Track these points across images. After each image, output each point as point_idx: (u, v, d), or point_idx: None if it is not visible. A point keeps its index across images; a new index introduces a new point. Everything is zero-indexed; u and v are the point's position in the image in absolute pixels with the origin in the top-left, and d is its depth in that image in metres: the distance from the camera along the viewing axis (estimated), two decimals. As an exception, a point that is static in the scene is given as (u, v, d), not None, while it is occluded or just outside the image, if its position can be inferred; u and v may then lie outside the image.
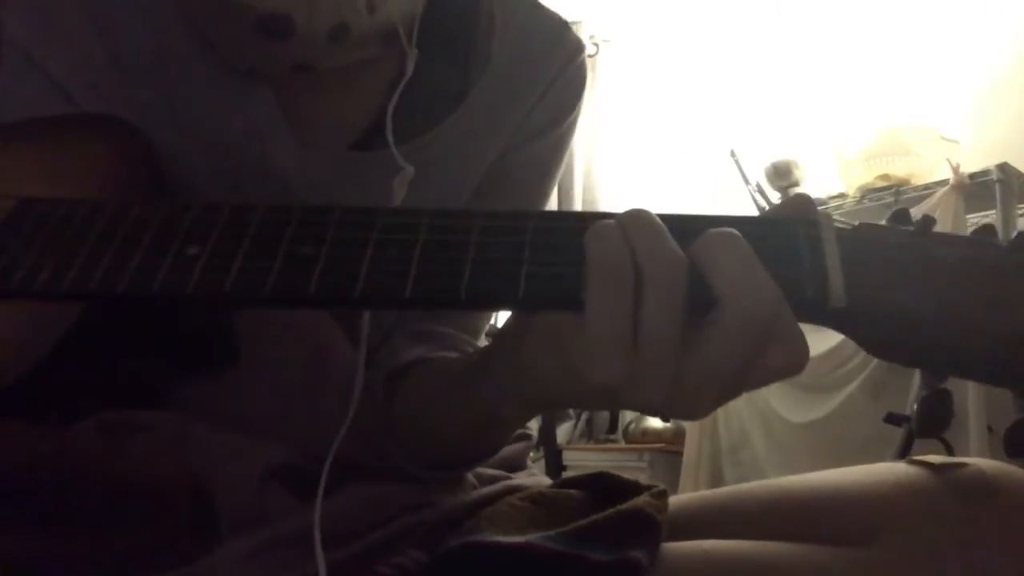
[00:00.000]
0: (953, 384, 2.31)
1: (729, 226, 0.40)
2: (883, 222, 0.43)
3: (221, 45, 0.58)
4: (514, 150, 0.66)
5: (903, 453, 2.03)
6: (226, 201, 0.45)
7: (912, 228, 0.42)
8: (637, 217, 0.39)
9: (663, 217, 0.40)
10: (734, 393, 0.40)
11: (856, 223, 0.42)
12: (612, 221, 0.40)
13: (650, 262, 0.38)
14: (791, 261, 0.40)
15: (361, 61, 0.60)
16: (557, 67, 0.68)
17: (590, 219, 0.41)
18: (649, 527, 0.53)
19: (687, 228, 0.40)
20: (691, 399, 0.39)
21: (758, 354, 0.38)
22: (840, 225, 0.41)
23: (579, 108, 0.70)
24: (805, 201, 0.43)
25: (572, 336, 0.39)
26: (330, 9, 0.55)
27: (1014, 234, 0.40)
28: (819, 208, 0.43)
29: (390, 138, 0.59)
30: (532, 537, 0.52)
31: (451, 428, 0.56)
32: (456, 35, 0.65)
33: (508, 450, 0.68)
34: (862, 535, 0.50)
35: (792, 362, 0.38)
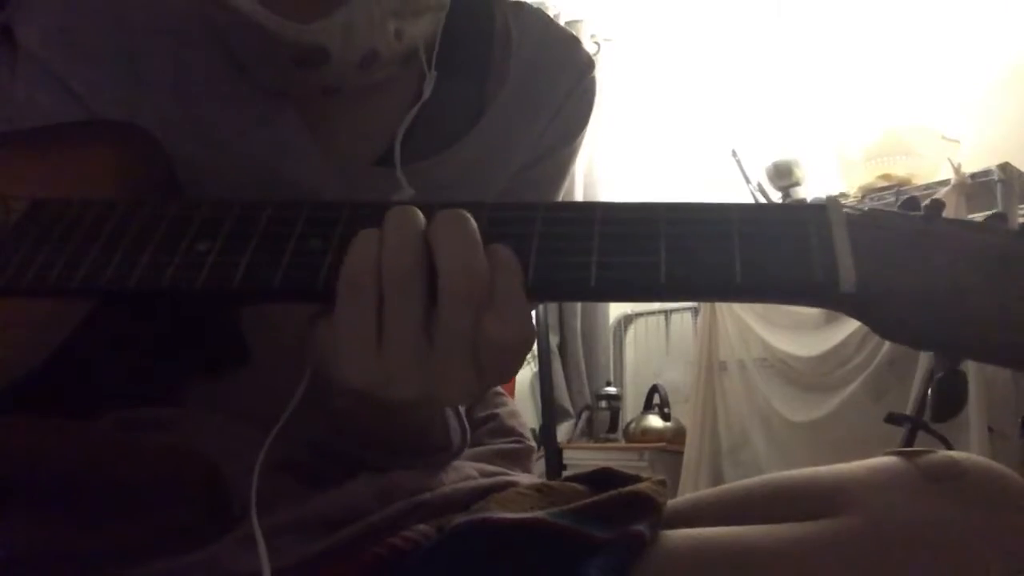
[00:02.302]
0: (954, 384, 2.31)
1: (742, 214, 0.42)
2: (895, 209, 0.44)
3: (252, 70, 0.59)
4: (527, 168, 0.67)
5: (903, 453, 2.02)
6: (237, 199, 0.45)
7: (921, 213, 0.42)
8: (392, 220, 0.41)
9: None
10: (479, 374, 0.41)
11: (865, 208, 0.43)
12: (374, 231, 0.41)
13: (388, 273, 0.40)
14: (800, 246, 0.40)
15: (382, 80, 0.61)
16: (570, 84, 0.69)
17: (598, 206, 0.42)
18: (650, 507, 0.55)
19: (504, 215, 0.42)
20: (444, 385, 0.41)
21: (478, 325, 0.40)
22: (849, 211, 0.42)
23: (589, 121, 0.71)
24: None
25: (326, 343, 0.42)
26: (363, 39, 0.57)
27: (1021, 221, 0.41)
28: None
29: (397, 160, 0.60)
30: (539, 513, 0.54)
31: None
32: (474, 52, 0.66)
33: (501, 450, 0.69)
34: (830, 510, 0.52)
35: (509, 333, 0.40)
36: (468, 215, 0.41)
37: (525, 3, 0.71)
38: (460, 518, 0.55)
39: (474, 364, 0.41)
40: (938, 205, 0.42)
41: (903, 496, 0.50)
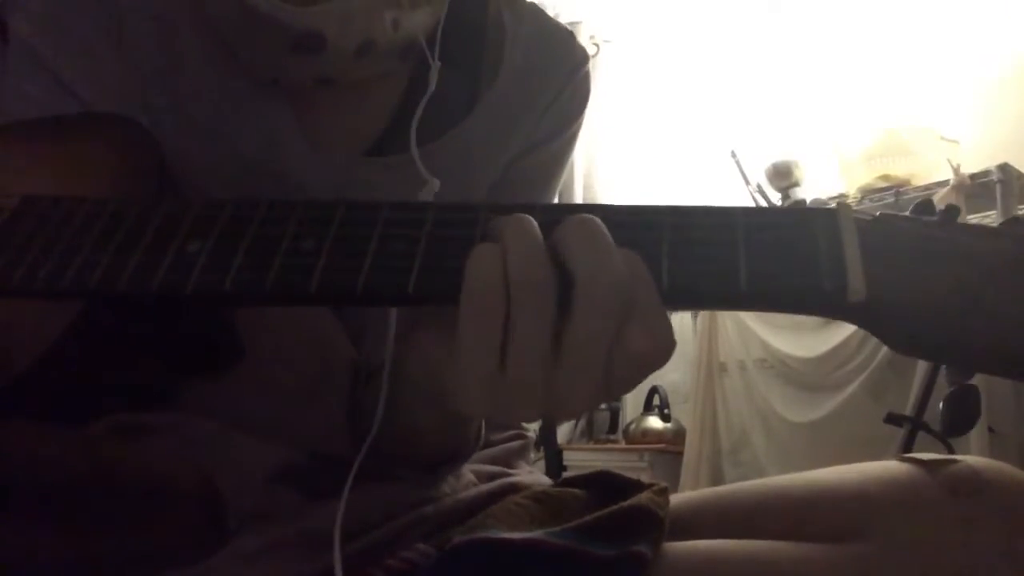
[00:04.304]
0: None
1: (747, 217, 0.40)
2: (907, 213, 0.42)
3: (247, 57, 0.58)
4: (524, 155, 0.67)
5: (904, 453, 2.03)
6: (229, 198, 0.44)
7: (936, 219, 0.41)
8: (514, 230, 0.38)
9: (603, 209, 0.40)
10: (606, 388, 0.39)
11: (877, 214, 0.41)
12: (493, 245, 0.39)
13: (519, 290, 0.37)
14: (808, 252, 0.39)
15: (378, 73, 0.61)
16: (565, 76, 0.69)
17: (598, 209, 0.40)
18: (652, 523, 0.53)
19: (616, 218, 0.39)
20: (564, 403, 0.39)
21: (617, 338, 0.38)
22: (860, 216, 0.40)
23: (584, 114, 0.71)
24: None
25: (444, 363, 0.40)
26: (361, 26, 0.56)
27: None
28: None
29: (414, 150, 0.59)
30: (538, 533, 0.53)
31: (392, 431, 0.56)
32: (467, 44, 0.66)
33: (502, 449, 0.69)
34: (852, 532, 0.50)
35: (654, 345, 0.38)
36: (598, 219, 0.38)
37: None
38: (459, 536, 0.54)
39: (604, 378, 0.38)
40: (953, 211, 0.40)
41: (927, 522, 0.49)
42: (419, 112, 0.61)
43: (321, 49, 0.56)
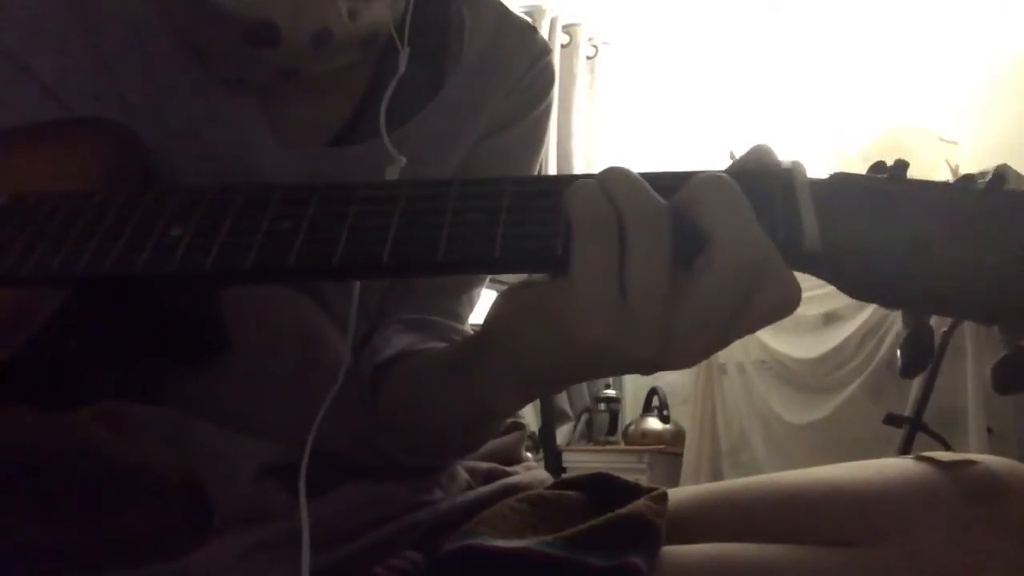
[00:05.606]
0: (952, 386, 2.31)
1: None
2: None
3: (209, 55, 0.59)
4: (487, 137, 0.69)
5: (903, 454, 2.03)
6: (210, 186, 0.46)
7: (886, 175, 0.42)
8: (614, 172, 0.40)
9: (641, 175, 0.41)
10: (723, 339, 0.40)
11: (831, 173, 0.43)
12: (590, 179, 0.40)
13: (632, 212, 0.39)
14: (764, 206, 0.40)
15: (343, 65, 0.62)
16: (524, 65, 0.71)
17: (565, 180, 0.42)
18: (648, 532, 0.53)
19: (662, 184, 0.41)
20: (681, 348, 0.39)
21: (750, 296, 0.38)
22: (814, 178, 0.42)
23: (548, 101, 0.72)
24: (765, 151, 0.43)
25: (561, 301, 0.40)
26: (314, 15, 0.57)
27: (988, 175, 0.41)
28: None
29: (383, 128, 0.61)
30: (531, 542, 0.52)
31: (441, 422, 0.56)
32: (429, 38, 0.68)
33: (500, 442, 0.68)
34: (866, 535, 0.50)
35: (786, 300, 0.39)
36: (730, 178, 0.40)
37: None
38: (450, 544, 0.54)
39: (724, 331, 0.39)
40: (902, 165, 0.42)
41: (942, 527, 0.48)
42: (389, 93, 0.62)
43: (277, 40, 0.56)
